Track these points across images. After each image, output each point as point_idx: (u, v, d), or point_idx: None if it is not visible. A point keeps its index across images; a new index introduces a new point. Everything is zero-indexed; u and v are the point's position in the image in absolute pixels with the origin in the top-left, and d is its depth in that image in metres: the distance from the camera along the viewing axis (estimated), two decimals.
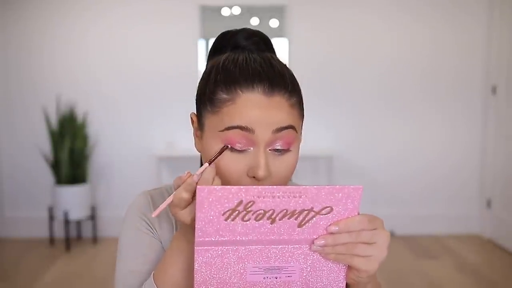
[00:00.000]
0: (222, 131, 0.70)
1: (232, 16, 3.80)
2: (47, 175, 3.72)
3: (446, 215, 3.88)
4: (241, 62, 0.73)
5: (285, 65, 0.77)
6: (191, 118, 0.83)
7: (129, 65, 3.78)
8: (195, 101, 0.82)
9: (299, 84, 0.77)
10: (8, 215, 3.85)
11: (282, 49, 3.75)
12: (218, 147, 0.71)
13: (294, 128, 0.72)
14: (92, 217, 3.69)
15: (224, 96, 0.71)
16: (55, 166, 3.54)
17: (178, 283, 0.71)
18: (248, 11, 3.81)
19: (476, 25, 3.77)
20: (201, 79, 0.79)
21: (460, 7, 3.76)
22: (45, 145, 3.68)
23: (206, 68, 0.79)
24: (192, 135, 0.85)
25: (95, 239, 3.71)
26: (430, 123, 3.85)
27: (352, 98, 3.82)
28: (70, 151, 3.51)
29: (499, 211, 3.67)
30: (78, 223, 3.75)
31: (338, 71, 3.79)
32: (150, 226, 0.83)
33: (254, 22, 3.81)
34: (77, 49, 3.76)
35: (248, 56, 0.74)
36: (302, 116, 0.76)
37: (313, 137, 3.72)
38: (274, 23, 3.81)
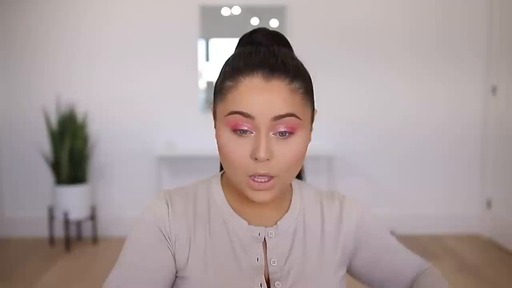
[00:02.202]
0: (227, 115, 0.75)
1: (232, 16, 3.80)
2: (47, 175, 3.72)
3: (446, 215, 3.88)
4: (247, 54, 0.77)
5: (296, 58, 0.80)
6: (212, 112, 0.85)
7: (129, 65, 3.78)
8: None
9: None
10: (8, 215, 3.85)
11: None
12: (224, 132, 0.75)
13: (295, 116, 0.74)
14: (92, 217, 3.69)
15: (230, 83, 0.76)
16: (55, 166, 3.54)
17: None
18: (248, 11, 3.81)
19: (476, 25, 3.77)
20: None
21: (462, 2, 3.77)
22: (45, 145, 3.68)
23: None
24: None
25: (95, 239, 3.71)
26: (430, 123, 3.85)
27: (353, 98, 3.83)
28: (70, 151, 3.51)
29: (499, 211, 3.67)
30: (78, 223, 3.75)
31: (338, 71, 3.79)
32: (164, 238, 0.82)
33: (254, 22, 3.81)
34: (77, 49, 3.76)
35: (256, 48, 0.78)
36: (310, 105, 0.79)
37: (314, 137, 3.70)
38: (274, 23, 3.81)
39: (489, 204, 3.79)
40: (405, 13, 3.78)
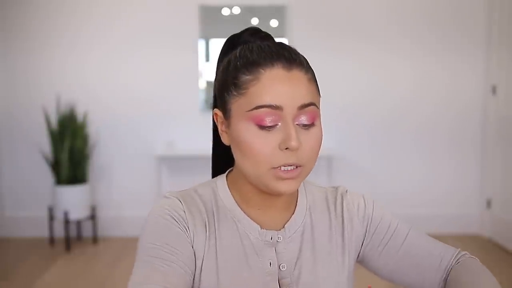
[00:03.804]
0: (251, 110, 0.74)
1: (232, 16, 3.80)
2: (47, 175, 3.72)
3: (446, 215, 3.88)
4: (256, 48, 0.78)
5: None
6: (215, 115, 0.83)
7: (128, 65, 3.78)
8: (213, 99, 0.84)
9: None
10: (8, 215, 3.85)
11: None
12: (246, 127, 0.74)
13: (315, 105, 0.77)
14: (92, 217, 3.69)
15: (248, 77, 0.75)
16: (55, 166, 3.54)
17: None
18: (248, 11, 3.81)
19: (476, 25, 3.77)
20: (218, 76, 0.82)
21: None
22: (45, 145, 3.68)
23: (221, 67, 0.82)
24: (212, 131, 0.87)
25: (95, 239, 3.71)
26: (430, 123, 3.85)
27: (353, 98, 3.83)
28: (70, 151, 3.51)
29: (499, 211, 3.67)
30: (78, 223, 3.74)
31: (338, 71, 3.79)
32: (181, 225, 0.78)
33: (254, 22, 3.81)
34: (77, 49, 3.76)
35: (261, 43, 0.80)
36: (319, 93, 0.81)
37: None
38: (274, 23, 3.81)
39: (489, 204, 3.79)
40: (405, 13, 3.78)
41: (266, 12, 3.81)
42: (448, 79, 3.82)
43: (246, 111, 0.74)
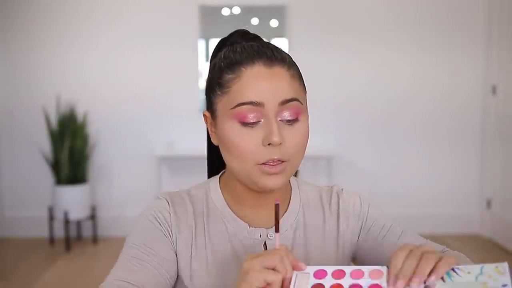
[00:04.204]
0: (234, 108, 0.75)
1: (232, 16, 3.80)
2: (47, 175, 3.72)
3: (446, 215, 3.88)
4: (240, 48, 0.79)
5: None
6: (204, 116, 0.85)
7: (128, 65, 3.78)
8: (205, 100, 0.86)
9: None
10: (8, 215, 3.85)
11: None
12: (231, 125, 0.75)
13: (299, 101, 0.77)
14: (92, 217, 3.69)
15: (230, 76, 0.76)
16: (55, 166, 3.54)
17: None
18: (248, 11, 3.81)
19: (475, 24, 3.77)
20: (206, 78, 0.84)
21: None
22: (45, 145, 3.68)
23: (209, 68, 0.84)
24: (207, 133, 0.87)
25: (95, 239, 3.71)
26: (430, 124, 3.85)
27: (352, 98, 3.83)
28: (70, 151, 3.51)
29: (499, 211, 3.67)
30: (78, 223, 3.75)
31: (338, 71, 3.80)
32: (163, 227, 0.81)
33: (254, 22, 3.81)
34: (77, 49, 3.76)
35: (245, 44, 0.81)
36: (304, 90, 0.81)
37: (313, 137, 3.71)
38: (274, 23, 3.81)
39: (488, 204, 3.79)
40: (406, 13, 3.78)
41: (266, 12, 3.81)
42: (448, 77, 3.82)
43: (230, 109, 0.75)
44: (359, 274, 0.66)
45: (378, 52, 3.80)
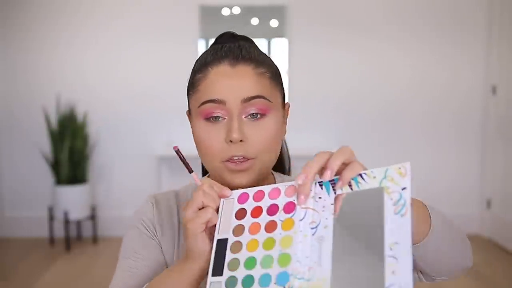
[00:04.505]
0: (200, 106, 0.77)
1: (232, 16, 3.80)
2: (47, 175, 3.72)
3: (446, 215, 3.87)
4: (212, 50, 0.82)
5: (260, 50, 0.83)
6: (188, 117, 0.87)
7: (128, 65, 3.78)
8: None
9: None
10: (8, 215, 3.85)
11: (282, 49, 3.75)
12: (198, 123, 0.78)
13: (265, 98, 0.76)
14: (92, 217, 3.70)
15: (199, 75, 0.79)
16: (55, 166, 3.54)
17: None
18: (248, 11, 3.81)
19: (476, 25, 3.77)
20: None
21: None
22: (45, 145, 3.68)
23: None
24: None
25: (95, 239, 3.71)
26: (430, 124, 3.85)
27: (352, 98, 3.83)
28: (70, 151, 3.52)
29: (499, 211, 3.67)
30: (78, 223, 3.75)
31: (338, 71, 3.80)
32: (149, 229, 0.84)
33: (254, 22, 3.81)
34: (77, 49, 3.76)
35: (219, 45, 0.83)
36: (279, 90, 0.81)
37: (312, 135, 3.72)
38: (274, 23, 3.81)
39: (488, 204, 3.79)
40: (406, 12, 3.78)
41: (266, 12, 3.80)
42: (448, 77, 3.82)
43: (197, 108, 0.78)
44: (276, 193, 0.66)
45: (378, 52, 3.80)
